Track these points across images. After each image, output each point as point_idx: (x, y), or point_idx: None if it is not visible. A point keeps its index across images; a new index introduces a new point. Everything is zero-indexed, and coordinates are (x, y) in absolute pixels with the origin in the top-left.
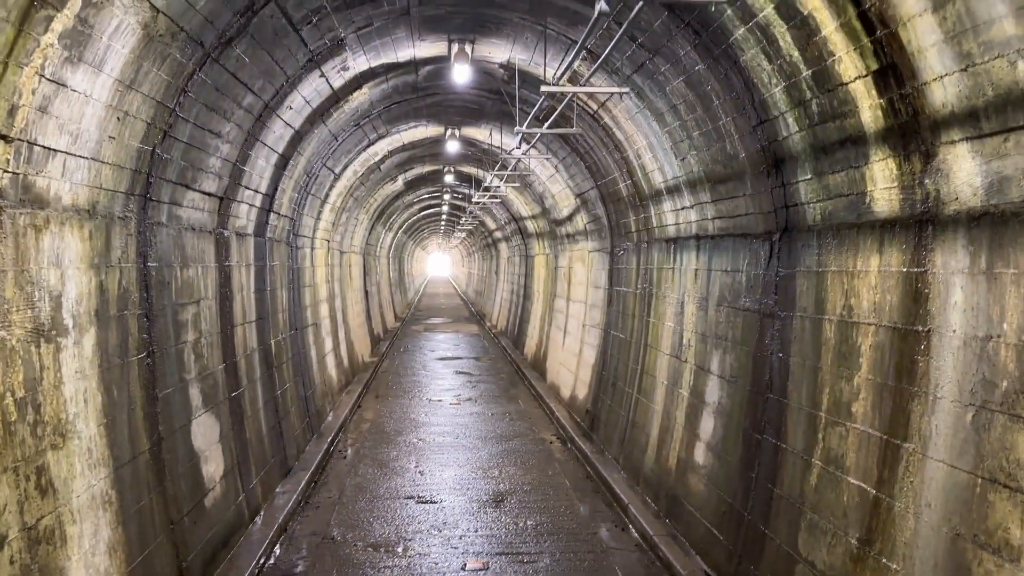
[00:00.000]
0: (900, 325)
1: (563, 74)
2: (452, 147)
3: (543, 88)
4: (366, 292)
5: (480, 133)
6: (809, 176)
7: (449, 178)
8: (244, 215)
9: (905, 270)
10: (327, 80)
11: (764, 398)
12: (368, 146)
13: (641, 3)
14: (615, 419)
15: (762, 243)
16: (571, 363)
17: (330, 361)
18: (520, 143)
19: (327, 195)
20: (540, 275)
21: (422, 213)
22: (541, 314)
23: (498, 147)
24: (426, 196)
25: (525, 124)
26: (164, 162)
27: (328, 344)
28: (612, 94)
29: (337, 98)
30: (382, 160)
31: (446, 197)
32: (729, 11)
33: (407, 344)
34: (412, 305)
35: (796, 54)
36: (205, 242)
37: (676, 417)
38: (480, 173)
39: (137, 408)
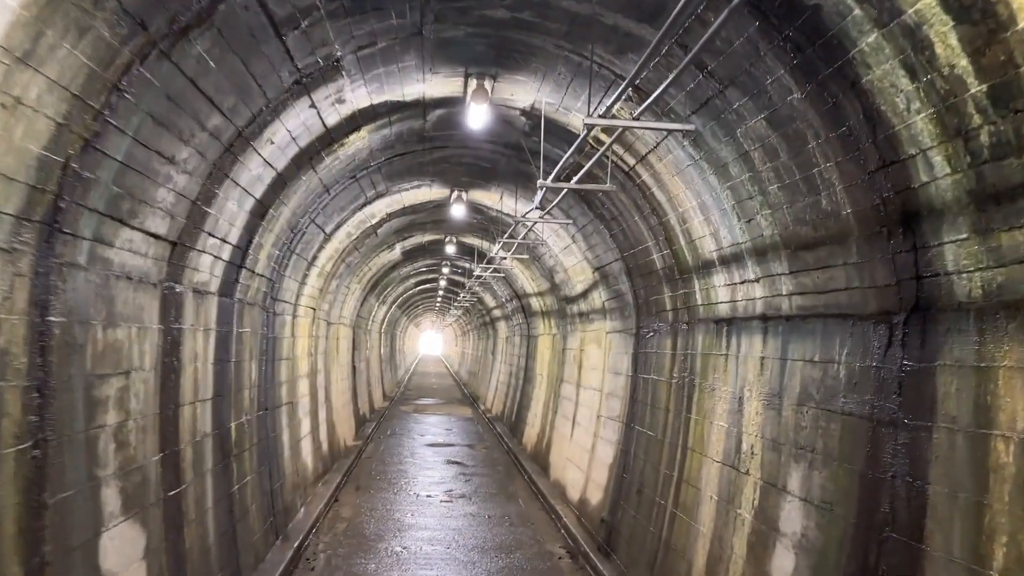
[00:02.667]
0: None
1: (603, 114)
2: (457, 212)
3: (585, 120)
4: (354, 368)
5: (490, 197)
6: (965, 235)
7: (451, 249)
8: (207, 268)
9: None
10: (318, 113)
11: (879, 536)
12: (365, 204)
13: (733, 2)
14: (641, 535)
15: (873, 326)
16: (581, 459)
17: (306, 446)
18: (541, 202)
19: (315, 257)
20: (544, 357)
21: (418, 288)
22: (544, 400)
23: (508, 214)
24: (424, 269)
25: (550, 178)
26: (85, 183)
27: (305, 426)
28: (669, 133)
29: (331, 139)
30: (379, 224)
31: (445, 271)
32: (857, 11)
33: (395, 427)
34: (402, 384)
35: (963, 63)
36: (146, 296)
37: (733, 545)
38: (484, 245)
39: (7, 522)
